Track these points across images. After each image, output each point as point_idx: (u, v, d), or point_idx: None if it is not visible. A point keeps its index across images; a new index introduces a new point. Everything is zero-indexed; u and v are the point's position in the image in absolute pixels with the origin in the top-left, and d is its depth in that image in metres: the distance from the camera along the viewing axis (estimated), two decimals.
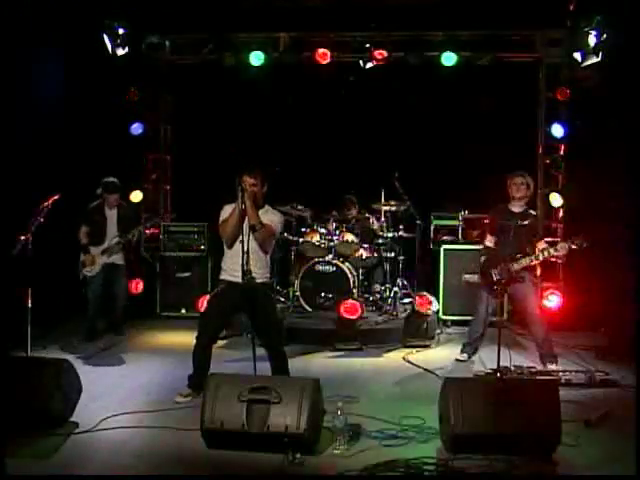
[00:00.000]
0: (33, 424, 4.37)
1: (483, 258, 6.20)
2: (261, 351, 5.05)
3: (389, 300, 7.95)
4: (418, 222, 7.93)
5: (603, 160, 7.31)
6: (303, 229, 8.28)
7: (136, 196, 8.76)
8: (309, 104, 8.95)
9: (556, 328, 7.15)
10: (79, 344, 6.87)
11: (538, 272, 8.08)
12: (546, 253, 5.80)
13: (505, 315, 7.49)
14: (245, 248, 4.72)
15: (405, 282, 8.15)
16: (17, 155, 6.99)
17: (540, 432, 4.05)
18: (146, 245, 8.77)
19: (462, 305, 7.74)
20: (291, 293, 8.07)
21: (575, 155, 8.26)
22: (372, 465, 3.93)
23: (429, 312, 7.10)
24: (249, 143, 8.60)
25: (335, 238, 7.99)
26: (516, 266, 5.85)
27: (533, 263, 5.92)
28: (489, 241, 6.24)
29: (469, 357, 6.40)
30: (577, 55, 7.83)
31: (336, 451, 4.17)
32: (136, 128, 8.80)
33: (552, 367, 5.94)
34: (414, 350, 6.85)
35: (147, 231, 7.66)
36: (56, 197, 5.99)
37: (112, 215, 7.25)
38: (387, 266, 8.16)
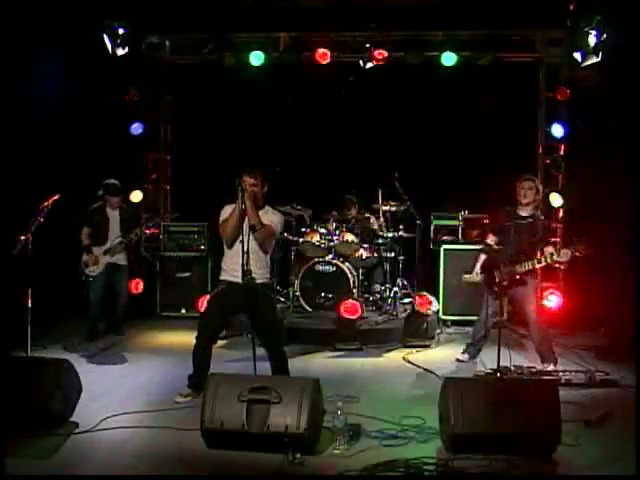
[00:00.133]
0: (33, 424, 4.36)
1: (483, 256, 6.19)
2: (261, 351, 5.05)
3: (389, 300, 7.95)
4: (418, 222, 7.93)
5: (603, 160, 7.31)
6: (303, 229, 8.29)
7: (136, 196, 8.76)
8: (309, 104, 8.95)
9: (556, 328, 7.18)
10: (80, 344, 6.87)
11: (538, 273, 8.10)
12: (549, 259, 5.78)
13: (505, 315, 7.48)
14: (245, 248, 4.72)
15: (405, 282, 8.16)
16: (17, 155, 6.99)
17: (540, 432, 4.05)
18: (146, 245, 8.77)
19: (462, 305, 7.74)
20: (291, 293, 8.07)
21: (575, 155, 8.26)
22: (372, 465, 3.93)
23: (429, 312, 7.10)
24: (249, 143, 8.60)
25: (335, 238, 7.99)
26: (519, 269, 5.85)
27: (536, 267, 5.90)
28: (490, 240, 6.24)
29: (471, 358, 6.39)
30: (577, 55, 7.83)
31: (336, 451, 4.17)
32: (136, 128, 8.80)
33: (551, 367, 5.93)
34: (414, 350, 6.85)
35: (147, 231, 7.65)
36: (56, 197, 5.99)
37: (114, 215, 7.25)
38: (387, 266, 8.17)
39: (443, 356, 6.68)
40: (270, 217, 5.11)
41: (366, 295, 8.16)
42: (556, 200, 8.30)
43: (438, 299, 7.79)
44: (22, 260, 5.72)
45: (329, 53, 8.39)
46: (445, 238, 8.35)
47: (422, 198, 8.14)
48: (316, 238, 8.06)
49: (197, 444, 4.20)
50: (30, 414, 4.35)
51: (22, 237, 5.73)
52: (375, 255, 8.24)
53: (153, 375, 5.90)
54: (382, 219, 8.23)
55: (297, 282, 7.89)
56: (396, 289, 7.95)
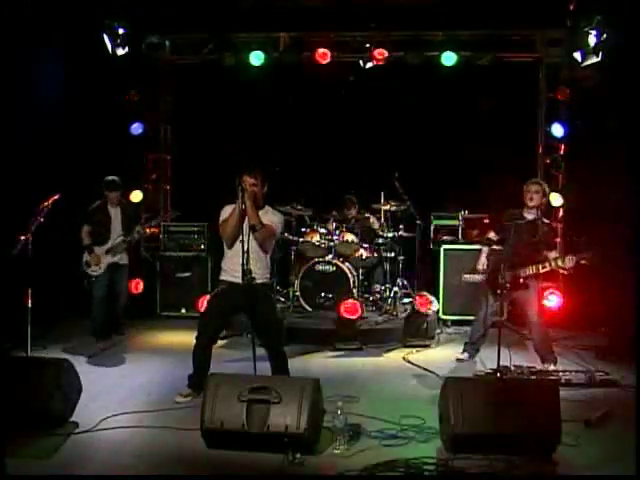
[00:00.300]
0: (33, 424, 4.36)
1: (486, 249, 6.18)
2: (261, 351, 5.05)
3: (389, 300, 7.95)
4: (418, 222, 7.93)
5: (603, 160, 7.31)
6: (303, 229, 8.29)
7: (136, 196, 8.76)
8: (309, 104, 8.95)
9: (556, 328, 7.17)
10: (80, 345, 6.83)
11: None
12: (554, 264, 5.78)
13: (505, 315, 7.48)
14: (245, 248, 4.72)
15: (405, 282, 8.16)
16: (17, 155, 6.99)
17: (540, 432, 4.05)
18: (146, 245, 8.77)
19: (462, 305, 7.74)
20: (291, 293, 8.07)
21: (575, 155, 8.26)
22: (372, 465, 3.93)
23: (429, 312, 7.10)
24: (249, 143, 8.60)
25: (335, 238, 8.00)
26: (522, 273, 5.85)
27: (540, 272, 5.89)
28: (492, 235, 6.26)
29: (470, 357, 6.40)
30: (577, 55, 7.83)
31: (336, 451, 4.17)
32: (136, 128, 8.81)
33: (551, 367, 5.94)
34: (414, 350, 6.85)
35: (147, 230, 7.65)
36: (56, 197, 6.00)
37: (116, 213, 7.21)
38: (387, 266, 8.17)
39: (443, 356, 6.68)
40: (270, 217, 5.11)
41: (366, 295, 8.16)
42: (556, 200, 8.30)
43: (438, 299, 7.79)
44: (22, 260, 5.72)
45: (329, 53, 8.40)
46: (445, 238, 8.35)
47: (422, 198, 8.13)
48: (316, 238, 8.06)
49: (197, 444, 4.20)
50: (30, 414, 4.35)
51: (22, 237, 5.74)
52: (375, 255, 8.24)
53: (153, 375, 5.89)
54: (383, 219, 8.22)
55: (297, 282, 7.89)
56: (396, 289, 7.95)
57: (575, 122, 8.17)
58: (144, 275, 8.39)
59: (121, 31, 8.18)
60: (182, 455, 4.18)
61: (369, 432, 4.47)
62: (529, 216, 6.02)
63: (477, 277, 6.33)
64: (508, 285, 5.65)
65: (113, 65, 8.25)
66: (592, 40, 7.61)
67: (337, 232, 8.04)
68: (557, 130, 8.28)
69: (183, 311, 8.35)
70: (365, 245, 8.17)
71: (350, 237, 8.07)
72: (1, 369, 4.50)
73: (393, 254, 8.14)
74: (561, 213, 8.44)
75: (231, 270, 5.04)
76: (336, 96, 8.86)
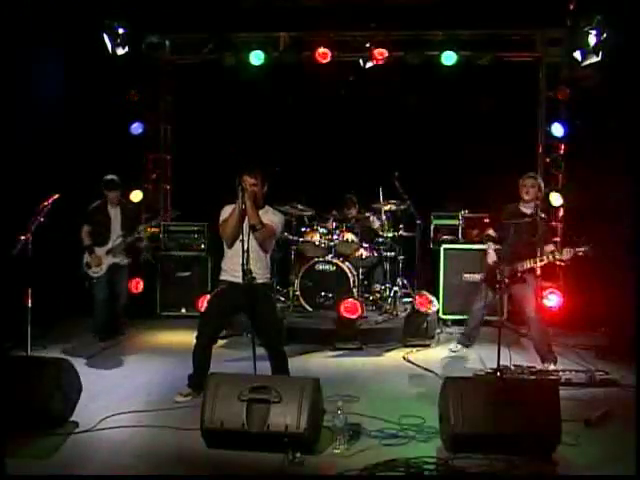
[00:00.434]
0: (33, 424, 4.37)
1: (492, 245, 6.19)
2: (261, 351, 5.05)
3: (389, 299, 7.95)
4: (418, 222, 7.92)
5: (603, 160, 7.31)
6: (303, 229, 8.29)
7: (136, 196, 8.77)
8: (309, 104, 8.95)
9: (556, 328, 7.17)
10: (80, 346, 6.83)
11: (538, 272, 8.09)
12: (551, 257, 5.81)
13: (505, 315, 7.50)
14: (245, 248, 4.72)
15: (405, 281, 8.15)
16: (17, 155, 6.99)
17: (540, 432, 4.05)
18: (146, 245, 8.75)
19: (462, 305, 7.71)
20: (291, 292, 8.07)
21: (575, 155, 8.26)
22: (372, 465, 3.93)
23: (429, 311, 7.11)
24: (249, 143, 8.60)
25: (335, 238, 8.00)
26: (520, 267, 5.87)
27: (538, 265, 5.92)
28: (491, 232, 6.28)
29: (462, 346, 6.52)
30: (577, 54, 7.83)
31: (336, 451, 4.17)
32: (136, 128, 8.81)
33: (551, 367, 5.94)
34: (414, 349, 6.85)
35: (148, 229, 7.63)
36: (56, 197, 5.99)
37: (116, 214, 7.18)
38: (387, 265, 8.17)
39: (443, 356, 6.68)
40: (270, 217, 5.11)
41: (366, 294, 8.15)
42: (556, 200, 8.31)
43: (438, 298, 7.79)
44: (22, 260, 5.72)
45: (329, 53, 8.40)
46: (445, 238, 8.36)
47: (422, 198, 8.12)
48: (316, 238, 8.06)
49: (197, 444, 4.20)
50: (30, 414, 4.35)
51: (22, 237, 5.73)
52: (375, 255, 8.24)
53: (153, 375, 5.89)
54: (384, 218, 8.22)
55: (297, 282, 7.89)
56: (396, 288, 7.95)
57: (575, 122, 8.17)
58: (144, 275, 8.39)
59: (121, 31, 8.18)
60: (182, 455, 4.18)
61: (369, 432, 4.47)
62: (527, 210, 6.06)
63: (477, 277, 6.34)
64: (507, 280, 5.69)
65: (113, 65, 8.25)
66: (592, 40, 7.61)
67: (337, 232, 8.05)
68: (557, 130, 8.29)
69: (183, 311, 8.35)
70: (365, 245, 8.17)
71: (350, 237, 8.07)
72: (1, 369, 4.49)
73: (393, 254, 8.14)
74: (561, 213, 8.45)
75: (231, 270, 5.05)
76: (336, 96, 8.86)
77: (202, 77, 8.93)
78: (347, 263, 7.92)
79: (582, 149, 7.98)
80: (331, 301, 7.66)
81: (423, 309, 7.08)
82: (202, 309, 6.26)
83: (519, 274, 5.89)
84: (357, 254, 8.09)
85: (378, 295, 8.19)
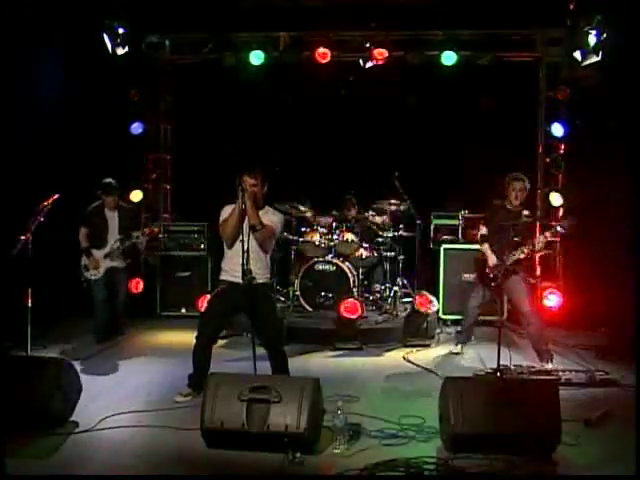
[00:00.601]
0: (33, 424, 4.37)
1: (487, 247, 6.22)
2: (261, 351, 5.05)
3: (389, 299, 7.95)
4: (418, 222, 7.91)
5: (603, 160, 7.31)
6: (303, 229, 8.29)
7: (136, 196, 8.76)
8: (309, 104, 8.94)
9: (556, 328, 7.18)
10: (80, 347, 6.82)
11: (538, 272, 8.11)
12: (531, 247, 5.90)
13: (505, 315, 7.50)
14: (245, 248, 4.72)
15: (405, 281, 8.15)
16: (17, 155, 6.99)
17: (540, 432, 4.05)
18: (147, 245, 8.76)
19: (462, 304, 7.71)
20: (291, 292, 8.07)
21: (575, 155, 8.25)
22: (372, 464, 3.93)
23: (429, 311, 7.11)
24: (249, 143, 8.60)
25: (335, 238, 8.00)
26: (508, 260, 5.94)
27: (522, 257, 5.96)
28: (484, 232, 6.32)
29: (462, 345, 6.62)
30: (577, 54, 7.82)
31: (336, 450, 4.17)
32: (136, 128, 8.81)
33: (549, 365, 5.96)
34: (414, 349, 6.85)
35: (147, 232, 7.62)
36: (56, 197, 5.99)
37: (113, 217, 7.15)
38: (387, 265, 8.17)
39: (443, 355, 6.68)
40: (270, 217, 5.12)
41: (366, 294, 8.15)
42: (556, 200, 8.30)
43: (438, 298, 7.80)
44: (22, 260, 5.72)
45: (329, 52, 8.39)
46: (445, 238, 8.36)
47: (422, 198, 8.12)
48: (316, 238, 8.06)
49: (197, 444, 4.20)
50: (30, 414, 4.35)
51: (22, 237, 5.73)
52: (375, 254, 8.24)
53: (153, 375, 5.89)
54: (386, 216, 8.21)
55: (297, 281, 7.89)
56: (396, 288, 7.95)
57: (575, 122, 8.16)
58: (144, 275, 8.39)
59: (121, 31, 8.17)
60: (182, 455, 4.18)
61: (369, 432, 4.47)
62: (512, 207, 6.13)
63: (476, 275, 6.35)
64: (499, 275, 5.83)
65: (113, 65, 8.24)
66: (592, 40, 7.61)
67: (337, 232, 8.05)
68: (557, 130, 8.28)
69: (183, 311, 8.36)
70: (365, 245, 8.17)
71: (350, 237, 8.07)
72: (1, 369, 4.49)
73: (393, 254, 8.14)
74: (561, 213, 8.44)
75: (231, 270, 5.05)
76: (336, 96, 8.85)
77: (202, 77, 8.92)
78: (347, 263, 7.92)
79: (582, 149, 7.98)
80: (331, 301, 7.67)
81: (423, 309, 7.09)
82: (202, 309, 6.27)
83: (509, 267, 5.94)
84: (357, 254, 8.09)
85: (378, 295, 8.19)
